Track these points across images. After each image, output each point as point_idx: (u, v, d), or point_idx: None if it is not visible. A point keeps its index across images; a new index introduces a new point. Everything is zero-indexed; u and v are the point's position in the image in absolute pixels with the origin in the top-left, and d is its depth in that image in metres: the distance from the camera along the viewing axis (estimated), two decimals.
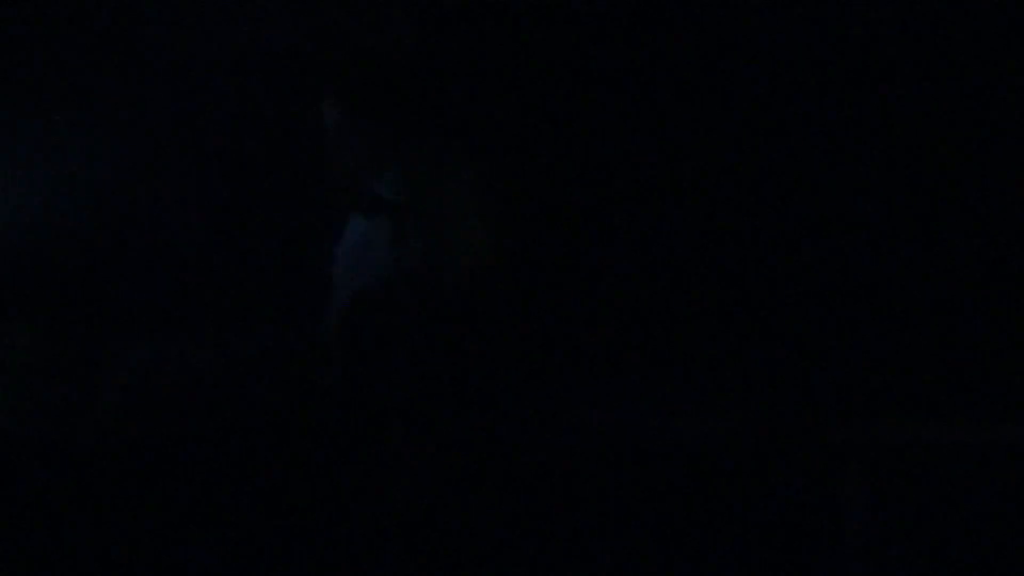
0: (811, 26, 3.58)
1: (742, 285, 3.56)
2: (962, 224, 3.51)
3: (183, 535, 3.04)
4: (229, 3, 3.43)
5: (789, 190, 3.56)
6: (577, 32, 3.69)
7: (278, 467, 3.10)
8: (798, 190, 3.55)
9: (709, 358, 3.55)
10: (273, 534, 3.08)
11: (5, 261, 3.18)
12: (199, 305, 3.25)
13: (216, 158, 3.35)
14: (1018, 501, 3.28)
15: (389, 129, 3.43)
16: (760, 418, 3.44)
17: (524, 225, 3.68)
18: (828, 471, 3.36)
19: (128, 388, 3.09)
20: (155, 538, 3.05)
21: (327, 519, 3.13)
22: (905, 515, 3.32)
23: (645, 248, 3.62)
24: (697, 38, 3.62)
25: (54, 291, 3.17)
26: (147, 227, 3.28)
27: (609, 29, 3.70)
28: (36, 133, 3.28)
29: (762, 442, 3.42)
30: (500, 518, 3.31)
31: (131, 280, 3.23)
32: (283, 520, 3.09)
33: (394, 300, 3.31)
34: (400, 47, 3.54)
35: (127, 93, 3.33)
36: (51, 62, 3.33)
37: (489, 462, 3.33)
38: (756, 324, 3.53)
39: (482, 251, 3.52)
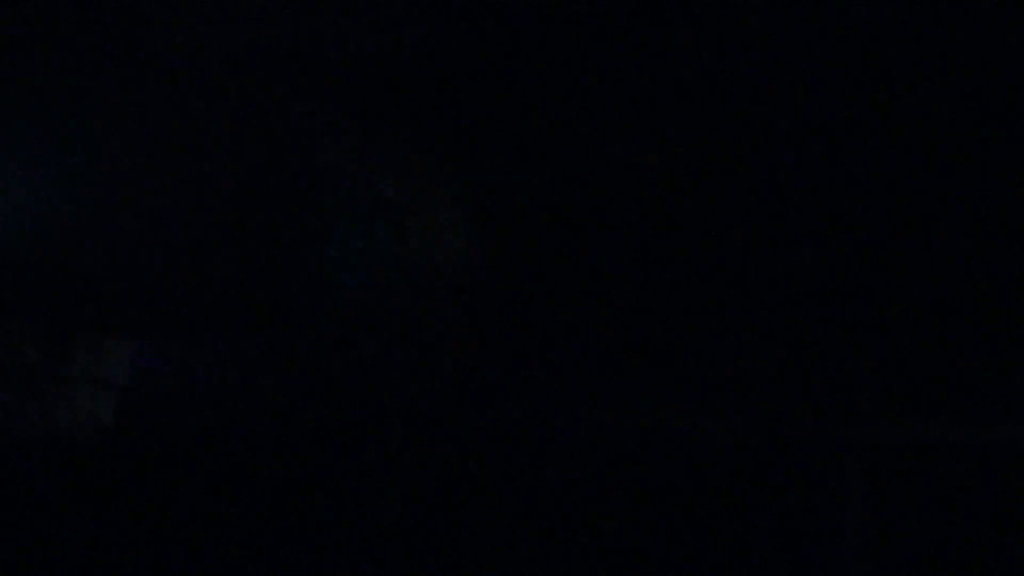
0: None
1: (742, 287, 3.57)
2: (962, 225, 3.51)
3: (183, 535, 3.05)
4: (231, 5, 3.44)
5: (789, 193, 3.56)
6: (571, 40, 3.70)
7: (280, 467, 3.10)
8: (798, 193, 3.56)
9: (709, 359, 3.55)
10: (273, 534, 3.09)
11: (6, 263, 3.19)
12: (198, 307, 3.25)
13: (214, 160, 3.35)
14: (1018, 501, 3.28)
15: (391, 131, 3.43)
16: (761, 418, 3.45)
17: (525, 226, 3.68)
18: (828, 471, 3.37)
19: (128, 388, 3.10)
20: (155, 538, 3.05)
21: (328, 519, 3.13)
22: (905, 515, 3.32)
23: (647, 251, 3.63)
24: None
25: (53, 292, 3.17)
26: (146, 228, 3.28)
27: (603, 37, 3.70)
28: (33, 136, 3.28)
29: (763, 442, 3.42)
30: (498, 518, 3.31)
31: (132, 282, 3.23)
32: (283, 520, 3.09)
33: (395, 299, 3.31)
34: (402, 50, 3.55)
35: (127, 94, 3.33)
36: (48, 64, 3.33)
37: (489, 461, 3.33)
38: (757, 326, 3.54)
39: (482, 251, 3.53)
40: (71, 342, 3.14)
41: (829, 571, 3.31)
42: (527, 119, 3.69)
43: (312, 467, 3.16)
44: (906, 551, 3.30)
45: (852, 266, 3.52)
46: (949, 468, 3.33)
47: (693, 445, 3.42)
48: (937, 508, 3.31)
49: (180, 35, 3.42)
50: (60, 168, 3.27)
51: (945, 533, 3.30)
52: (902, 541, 3.31)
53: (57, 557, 3.05)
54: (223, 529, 3.10)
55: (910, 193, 3.54)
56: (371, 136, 3.42)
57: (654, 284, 3.61)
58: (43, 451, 3.06)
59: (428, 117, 3.53)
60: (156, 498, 3.12)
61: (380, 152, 3.42)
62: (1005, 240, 3.48)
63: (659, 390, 3.52)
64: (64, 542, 3.06)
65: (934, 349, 3.46)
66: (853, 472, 3.34)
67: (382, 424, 3.24)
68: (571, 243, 3.64)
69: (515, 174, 3.69)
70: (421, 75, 3.54)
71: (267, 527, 3.09)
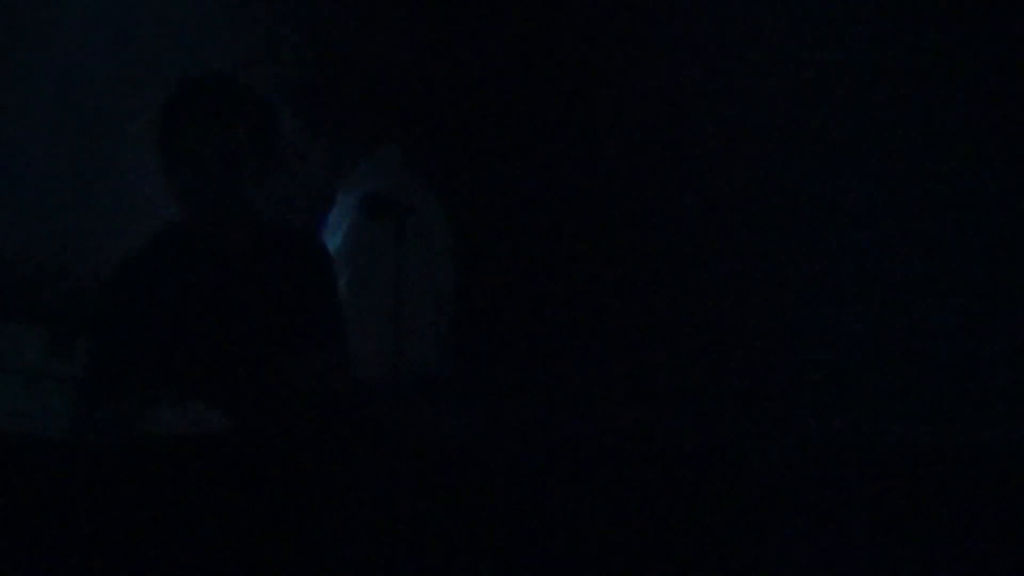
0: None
1: (742, 286, 3.57)
2: (961, 227, 3.53)
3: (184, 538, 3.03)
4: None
5: (788, 191, 3.57)
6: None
7: (287, 468, 3.09)
8: (797, 195, 3.57)
9: (709, 359, 3.56)
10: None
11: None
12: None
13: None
14: (1016, 501, 3.30)
15: (389, 130, 3.42)
16: (760, 418, 3.46)
17: (520, 225, 3.69)
18: (826, 471, 3.38)
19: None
20: (156, 540, 3.03)
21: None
22: (904, 515, 3.33)
23: (645, 249, 3.63)
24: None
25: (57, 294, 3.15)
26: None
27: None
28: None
29: (761, 442, 3.43)
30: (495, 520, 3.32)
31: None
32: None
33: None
34: (400, 51, 3.54)
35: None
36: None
37: (486, 461, 3.34)
38: (757, 325, 3.54)
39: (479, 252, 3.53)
40: (72, 342, 3.12)
41: (830, 571, 3.32)
42: (521, 119, 3.70)
43: (313, 467, 3.15)
44: (907, 551, 3.31)
45: (852, 265, 3.53)
46: (947, 468, 3.34)
47: (693, 445, 3.43)
48: (937, 508, 3.32)
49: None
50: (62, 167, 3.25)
51: (943, 532, 3.31)
52: (903, 541, 3.32)
53: (57, 559, 3.04)
54: (225, 530, 3.08)
55: (909, 198, 3.55)
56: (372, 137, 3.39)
57: (653, 283, 3.61)
58: (43, 453, 3.05)
59: (428, 117, 3.54)
60: (158, 500, 3.10)
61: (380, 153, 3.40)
62: (1005, 239, 3.49)
63: (658, 389, 3.53)
64: (64, 544, 3.04)
65: (935, 349, 3.47)
66: (853, 472, 3.34)
67: (385, 428, 3.23)
68: (570, 241, 3.65)
69: (508, 173, 3.70)
70: (420, 77, 3.54)
71: (273, 530, 3.08)
